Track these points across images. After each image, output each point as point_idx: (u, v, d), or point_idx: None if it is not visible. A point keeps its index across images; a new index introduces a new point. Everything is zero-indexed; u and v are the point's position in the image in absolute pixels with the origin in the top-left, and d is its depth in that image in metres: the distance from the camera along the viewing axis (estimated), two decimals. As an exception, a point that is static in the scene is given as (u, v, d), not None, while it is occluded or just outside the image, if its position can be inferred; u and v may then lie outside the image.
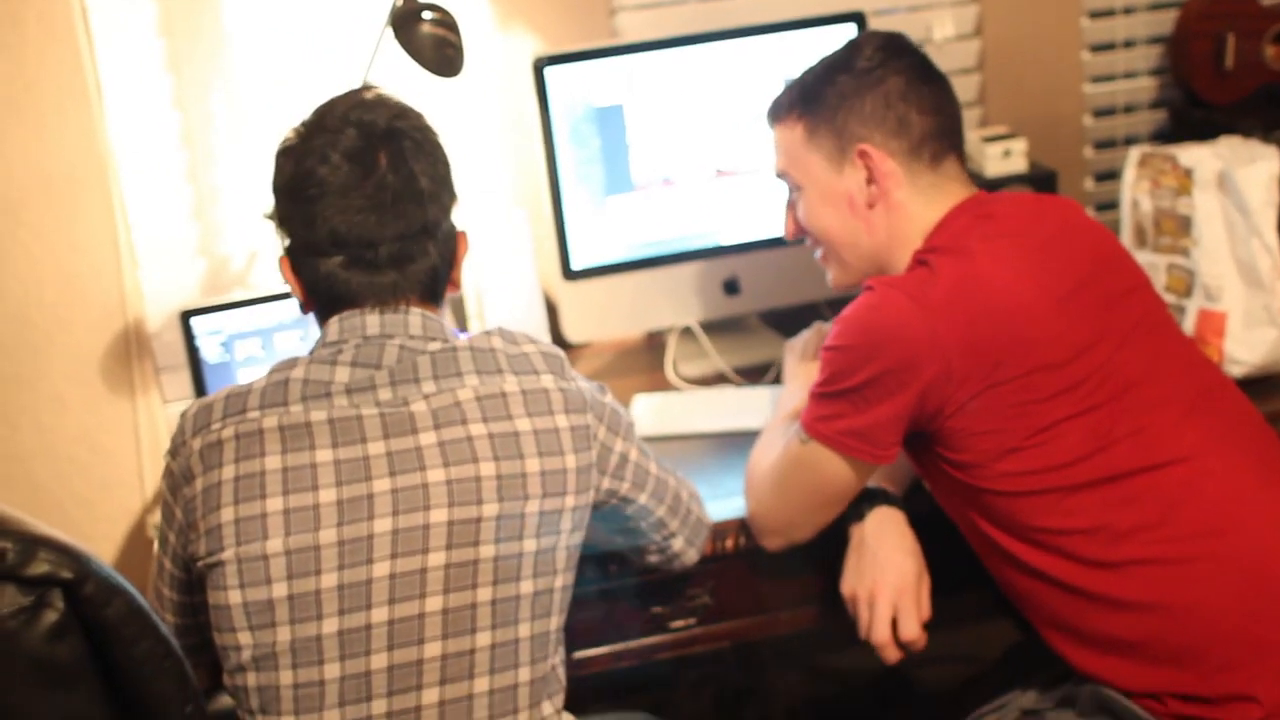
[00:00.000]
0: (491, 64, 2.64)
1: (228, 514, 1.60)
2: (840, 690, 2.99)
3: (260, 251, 2.57)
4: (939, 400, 1.78)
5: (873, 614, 1.90)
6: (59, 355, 2.49)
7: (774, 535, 1.99)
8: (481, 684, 1.64)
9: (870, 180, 1.93)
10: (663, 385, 2.59)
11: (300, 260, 1.71)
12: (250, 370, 2.35)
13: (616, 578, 2.05)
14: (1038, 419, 1.78)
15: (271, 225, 1.74)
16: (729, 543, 2.05)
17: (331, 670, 1.60)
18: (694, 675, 2.86)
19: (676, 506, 1.91)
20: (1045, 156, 2.79)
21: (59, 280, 2.47)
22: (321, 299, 1.72)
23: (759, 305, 2.67)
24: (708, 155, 2.53)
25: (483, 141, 2.68)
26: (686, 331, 2.63)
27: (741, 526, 2.05)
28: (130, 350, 2.52)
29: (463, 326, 2.50)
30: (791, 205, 2.06)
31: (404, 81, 2.38)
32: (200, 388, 2.34)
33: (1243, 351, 2.31)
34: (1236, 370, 2.31)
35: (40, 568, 1.40)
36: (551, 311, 2.63)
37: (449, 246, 1.75)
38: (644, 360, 2.73)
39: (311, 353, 1.69)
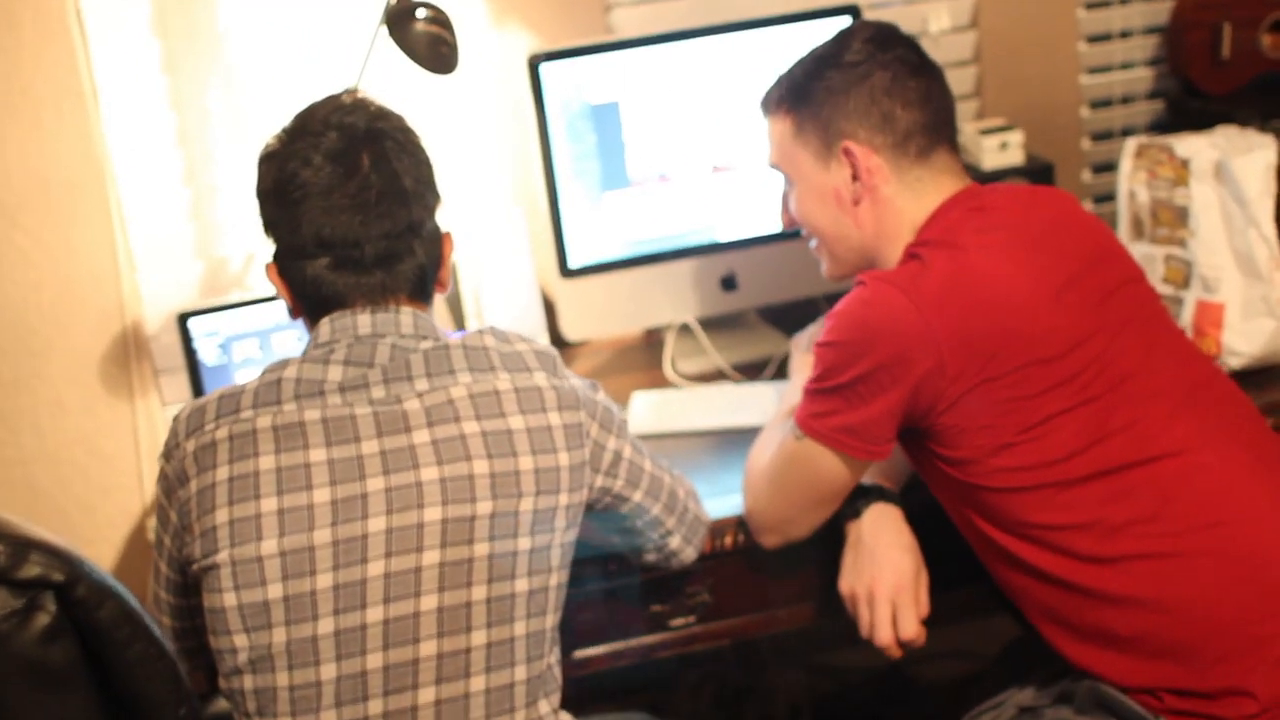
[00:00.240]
0: (487, 61, 2.64)
1: (222, 515, 1.60)
2: (840, 687, 2.99)
3: (258, 253, 2.57)
4: (932, 396, 1.78)
5: (873, 613, 1.90)
6: (57, 358, 2.49)
7: (770, 532, 1.99)
8: (477, 683, 1.64)
9: (855, 176, 1.93)
10: (661, 383, 2.58)
11: (287, 264, 1.71)
12: (248, 372, 2.35)
13: (616, 577, 2.05)
14: (1031, 414, 1.77)
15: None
16: (728, 540, 2.05)
17: (328, 671, 1.60)
18: (694, 674, 2.87)
19: (673, 504, 1.91)
20: (1042, 148, 2.79)
21: (57, 283, 2.47)
22: (310, 302, 1.72)
23: (757, 301, 2.67)
24: (704, 151, 2.53)
25: (479, 139, 2.68)
26: (685, 328, 2.63)
27: (740, 524, 2.05)
28: (129, 353, 2.52)
29: (460, 325, 2.50)
30: (786, 196, 2.06)
31: (399, 80, 2.39)
32: (198, 390, 2.34)
33: (1241, 343, 2.30)
34: (1235, 361, 2.30)
35: (32, 570, 1.41)
36: (549, 309, 2.63)
37: (435, 246, 1.75)
38: (642, 358, 2.73)
39: (304, 353, 1.70)
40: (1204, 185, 2.31)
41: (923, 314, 1.76)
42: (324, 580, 1.59)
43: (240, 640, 1.60)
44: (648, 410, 2.44)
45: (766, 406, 2.32)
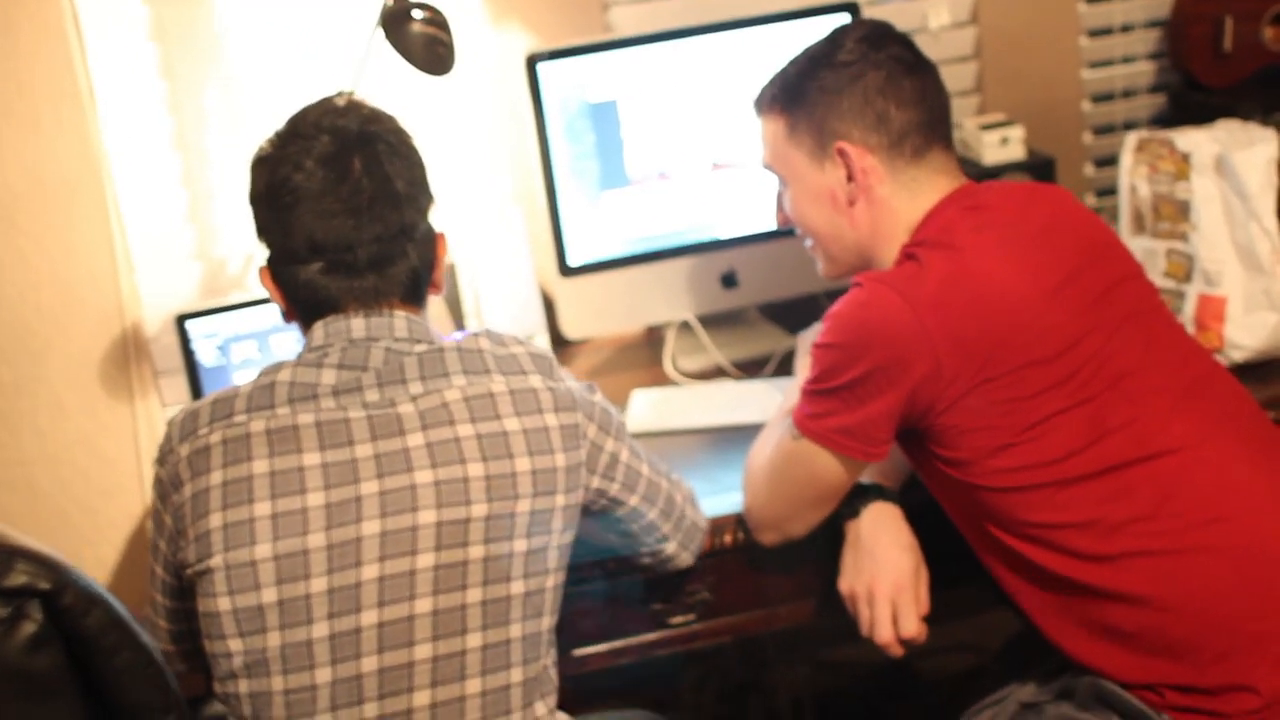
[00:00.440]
0: (485, 61, 2.63)
1: (216, 520, 1.60)
2: (843, 682, 2.98)
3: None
4: (930, 397, 1.77)
5: (873, 612, 1.89)
6: (57, 360, 2.48)
7: (769, 530, 1.98)
8: (474, 685, 1.64)
9: (850, 177, 1.92)
10: (662, 380, 2.58)
11: (280, 269, 1.71)
12: (247, 373, 2.35)
13: (615, 575, 2.04)
14: (1029, 414, 1.77)
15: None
16: (727, 538, 2.05)
17: (323, 675, 1.60)
18: (697, 670, 2.86)
19: (670, 510, 1.90)
20: (1044, 143, 2.77)
21: (55, 285, 2.46)
22: (303, 306, 1.72)
23: (757, 298, 2.66)
24: (703, 149, 2.52)
25: (477, 139, 2.67)
26: (685, 326, 2.62)
27: (739, 522, 2.04)
28: (128, 354, 2.51)
29: (460, 325, 2.50)
30: (780, 196, 2.05)
31: (397, 81, 2.38)
32: (197, 391, 2.34)
33: (1243, 336, 2.29)
34: (1237, 355, 2.30)
35: (18, 579, 1.41)
36: (549, 308, 2.63)
37: (428, 249, 1.75)
38: (643, 355, 2.73)
39: (298, 357, 1.69)
40: (1205, 179, 2.31)
41: (919, 316, 1.76)
42: (318, 584, 1.59)
43: (235, 645, 1.59)
44: (647, 408, 2.44)
45: (766, 404, 2.31)
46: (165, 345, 2.51)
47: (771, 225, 2.31)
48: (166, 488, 1.66)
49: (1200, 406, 1.83)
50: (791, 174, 1.98)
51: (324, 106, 1.72)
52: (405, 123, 1.76)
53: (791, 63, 1.98)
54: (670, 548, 1.93)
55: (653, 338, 2.76)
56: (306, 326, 1.72)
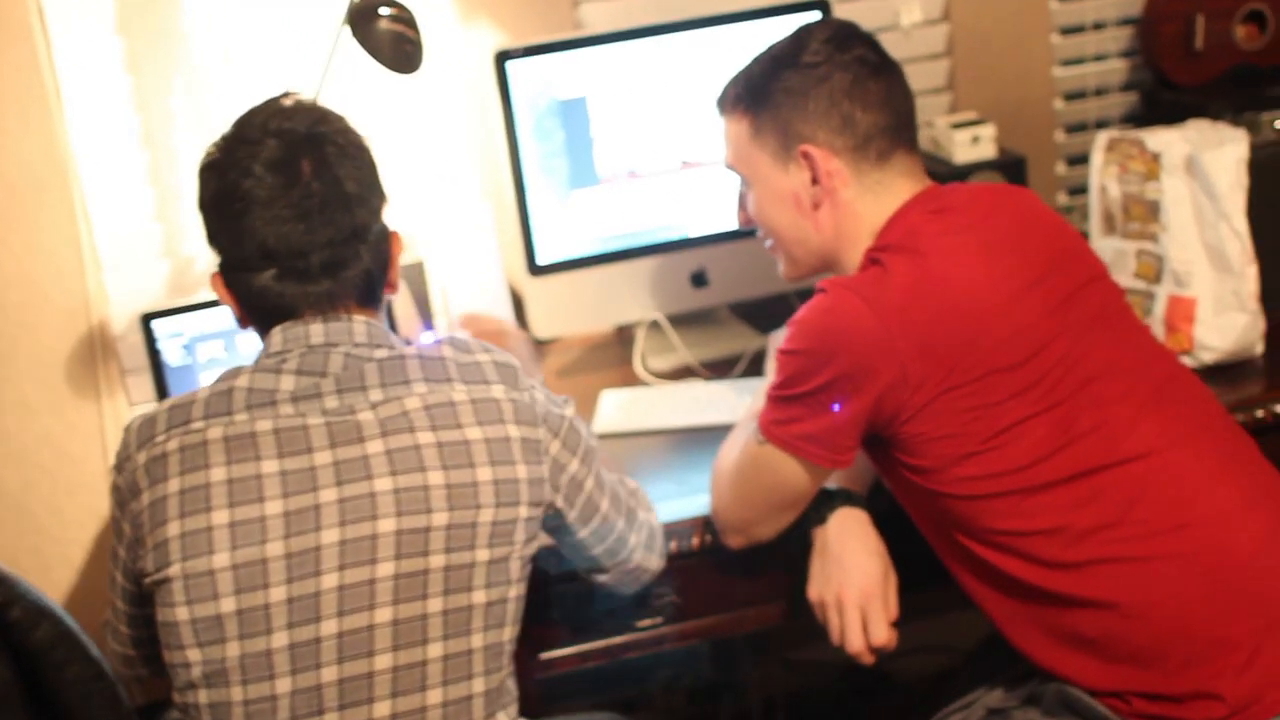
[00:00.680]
0: (453, 58, 2.62)
1: (174, 529, 1.58)
2: (815, 682, 2.98)
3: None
4: (895, 405, 1.76)
5: (843, 620, 1.88)
6: (23, 359, 2.47)
7: (735, 533, 1.97)
8: (435, 696, 1.63)
9: (815, 180, 1.90)
10: (632, 380, 2.57)
11: (232, 276, 1.70)
12: (213, 373, 2.32)
13: (581, 577, 2.03)
14: (995, 421, 1.76)
15: None
16: (694, 541, 2.04)
17: (283, 685, 1.58)
18: (667, 671, 2.86)
19: (617, 550, 1.88)
20: (1015, 142, 2.77)
21: (21, 284, 2.45)
22: (258, 313, 1.70)
23: (727, 297, 2.65)
24: (673, 147, 2.51)
25: (446, 137, 2.66)
26: (655, 325, 2.61)
27: (707, 524, 2.04)
28: (95, 353, 2.50)
29: (428, 323, 2.48)
30: (743, 196, 2.04)
31: (364, 78, 2.37)
32: (163, 391, 2.32)
33: (1213, 337, 2.29)
34: (1207, 356, 2.29)
35: (-37, 594, 1.39)
36: (518, 307, 2.62)
37: (381, 249, 1.73)
38: (613, 354, 2.71)
39: (255, 362, 1.68)
40: (1175, 179, 2.30)
41: (884, 322, 1.74)
42: (277, 594, 1.57)
43: (194, 655, 1.58)
44: (615, 409, 2.43)
45: (735, 405, 2.30)
46: (132, 344, 2.49)
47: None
48: (125, 495, 1.65)
49: (1167, 410, 1.82)
50: (755, 175, 1.96)
51: (270, 108, 1.70)
52: (355, 122, 1.74)
53: (755, 61, 1.96)
54: (604, 579, 1.92)
55: (623, 337, 2.75)
56: (262, 332, 1.71)
